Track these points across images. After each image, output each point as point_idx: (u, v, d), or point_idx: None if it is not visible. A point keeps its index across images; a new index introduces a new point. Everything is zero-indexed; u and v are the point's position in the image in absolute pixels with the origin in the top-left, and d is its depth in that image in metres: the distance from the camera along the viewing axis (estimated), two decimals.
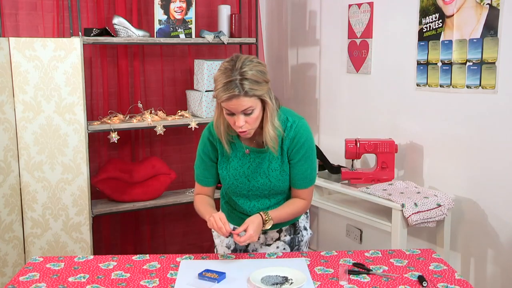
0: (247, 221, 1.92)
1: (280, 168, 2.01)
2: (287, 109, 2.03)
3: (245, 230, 1.90)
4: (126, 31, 3.23)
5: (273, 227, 2.12)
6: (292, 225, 2.17)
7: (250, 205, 2.07)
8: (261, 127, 1.93)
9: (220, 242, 2.18)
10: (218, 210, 2.26)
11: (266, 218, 1.95)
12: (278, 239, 2.15)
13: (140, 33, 3.26)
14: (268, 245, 2.15)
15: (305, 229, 2.20)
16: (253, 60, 1.85)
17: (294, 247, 2.16)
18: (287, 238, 2.15)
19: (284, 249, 2.14)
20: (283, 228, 2.16)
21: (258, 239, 2.13)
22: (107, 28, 3.22)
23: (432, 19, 2.90)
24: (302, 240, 2.18)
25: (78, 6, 3.09)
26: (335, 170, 3.24)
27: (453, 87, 2.82)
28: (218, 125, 1.96)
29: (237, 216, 2.13)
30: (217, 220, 1.90)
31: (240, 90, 1.78)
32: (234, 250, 2.15)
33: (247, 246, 2.14)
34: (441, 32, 2.86)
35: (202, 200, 2.12)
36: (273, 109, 1.90)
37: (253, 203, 2.06)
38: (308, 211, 2.25)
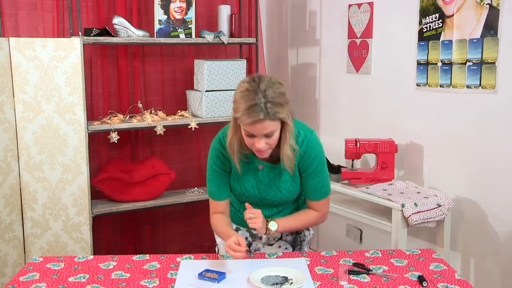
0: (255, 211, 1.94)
1: (291, 179, 2.01)
2: (298, 121, 2.01)
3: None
4: (126, 31, 3.23)
5: (271, 209, 2.13)
6: None
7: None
8: (277, 145, 1.91)
9: (222, 241, 2.18)
10: None
11: (268, 220, 1.95)
12: (280, 238, 2.15)
13: (140, 33, 3.26)
14: (270, 244, 2.15)
15: (307, 229, 2.21)
16: (275, 81, 1.82)
17: (296, 246, 2.16)
18: (289, 237, 2.15)
19: (286, 248, 2.14)
20: None
21: (260, 239, 2.13)
22: (107, 28, 3.22)
23: (432, 19, 2.90)
24: (304, 240, 2.19)
25: (78, 6, 3.09)
26: (335, 170, 3.24)
27: (453, 87, 2.82)
28: (232, 144, 1.92)
29: (240, 217, 2.12)
30: (233, 248, 1.85)
31: (265, 114, 1.75)
32: None
33: (249, 245, 2.14)
34: (441, 32, 2.86)
35: (220, 221, 2.06)
36: (292, 129, 1.89)
37: (261, 208, 2.06)
38: None
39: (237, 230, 2.14)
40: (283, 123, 1.85)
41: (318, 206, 2.06)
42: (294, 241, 2.16)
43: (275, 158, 1.98)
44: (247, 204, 1.96)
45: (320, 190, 2.03)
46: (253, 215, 1.91)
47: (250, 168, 2.00)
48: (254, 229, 2.13)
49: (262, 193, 2.02)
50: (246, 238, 2.13)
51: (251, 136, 1.83)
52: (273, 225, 1.96)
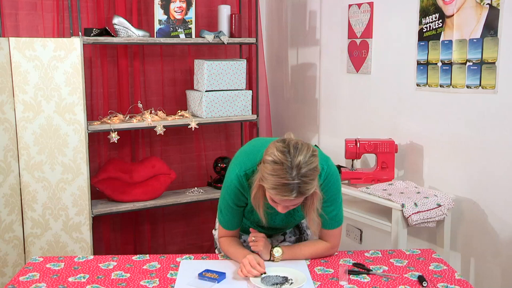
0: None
1: (304, 207, 1.95)
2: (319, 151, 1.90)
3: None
4: (126, 31, 3.23)
5: (278, 231, 2.13)
6: (296, 226, 2.18)
7: (261, 230, 2.06)
8: None
9: None
10: None
11: (273, 246, 1.93)
12: (284, 240, 2.15)
13: (140, 33, 3.26)
14: (274, 247, 2.15)
15: (308, 228, 2.20)
16: (311, 155, 1.69)
17: None
18: (292, 238, 2.15)
19: None
20: (287, 231, 2.16)
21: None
22: (107, 28, 3.22)
23: (432, 19, 2.90)
24: (307, 240, 2.19)
25: (78, 6, 3.09)
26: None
27: (453, 87, 2.82)
28: (257, 198, 1.82)
29: (243, 225, 2.12)
30: (253, 265, 1.80)
31: (297, 193, 1.67)
32: None
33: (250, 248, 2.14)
34: (441, 32, 2.86)
35: (230, 243, 2.01)
36: (320, 197, 1.82)
37: (270, 230, 2.07)
38: None
39: (239, 236, 2.14)
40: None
41: (330, 236, 1.99)
42: (297, 242, 2.16)
43: None
44: (251, 229, 1.94)
45: (333, 219, 1.95)
46: (255, 238, 1.89)
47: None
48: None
49: (276, 222, 2.01)
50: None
51: (275, 202, 1.76)
52: (277, 252, 1.93)
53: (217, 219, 2.25)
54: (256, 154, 1.84)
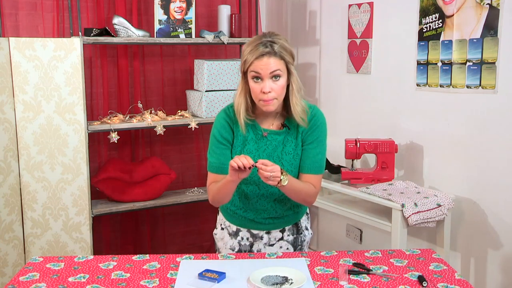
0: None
1: (293, 152, 2.01)
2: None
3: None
4: (126, 31, 3.23)
5: (276, 225, 2.12)
6: (295, 225, 2.18)
7: (259, 193, 2.06)
8: (283, 108, 1.98)
9: (224, 245, 2.17)
10: (218, 212, 2.27)
11: (283, 173, 1.90)
12: (281, 238, 2.15)
13: (140, 33, 3.26)
14: (271, 245, 2.15)
15: (307, 229, 2.21)
16: (281, 36, 1.94)
17: (297, 247, 2.16)
18: (290, 238, 2.15)
19: (287, 248, 2.14)
20: (286, 228, 2.16)
21: (262, 239, 2.13)
22: (107, 28, 3.22)
23: (432, 19, 2.90)
24: (304, 240, 2.19)
25: (78, 6, 3.09)
26: (335, 170, 3.24)
27: (453, 87, 2.82)
28: (239, 105, 1.96)
29: (239, 217, 2.12)
30: (240, 158, 1.80)
31: (270, 50, 1.86)
32: (239, 252, 2.15)
33: (251, 246, 2.14)
34: (441, 32, 2.86)
35: (217, 183, 2.01)
36: (298, 83, 1.96)
37: (262, 191, 2.05)
38: (308, 211, 2.25)
39: (237, 231, 2.14)
40: (289, 74, 1.92)
41: (315, 181, 2.02)
42: (295, 241, 2.16)
43: (279, 124, 2.02)
44: (259, 162, 1.87)
45: (319, 163, 2.03)
46: (273, 171, 1.83)
47: (253, 138, 2.01)
48: (255, 230, 2.13)
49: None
50: (247, 239, 2.13)
51: (257, 78, 1.88)
52: (285, 180, 1.90)
53: (217, 219, 2.26)
54: None
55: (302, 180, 2.04)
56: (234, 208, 2.14)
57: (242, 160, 1.80)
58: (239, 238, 2.13)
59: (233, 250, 2.14)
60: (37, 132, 2.95)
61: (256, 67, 1.87)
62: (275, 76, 1.88)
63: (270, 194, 2.06)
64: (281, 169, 1.87)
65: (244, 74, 1.94)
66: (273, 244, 2.15)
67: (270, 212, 2.09)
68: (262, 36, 1.92)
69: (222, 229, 2.18)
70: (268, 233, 2.13)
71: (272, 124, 2.03)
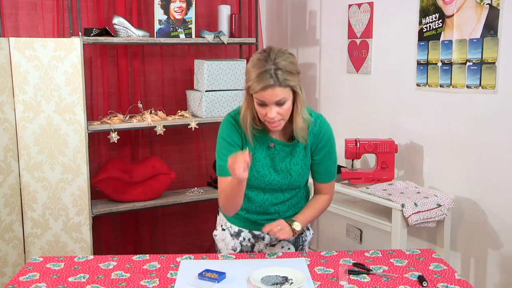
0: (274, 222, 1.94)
1: (302, 162, 2.01)
2: (307, 106, 2.03)
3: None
4: (126, 31, 3.23)
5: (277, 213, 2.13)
6: None
7: (263, 197, 2.06)
8: (289, 120, 1.94)
9: (225, 246, 2.16)
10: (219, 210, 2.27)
11: (290, 223, 1.96)
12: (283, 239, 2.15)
13: (140, 33, 3.26)
14: (273, 245, 2.15)
15: (308, 229, 2.21)
16: (285, 51, 1.87)
17: (298, 246, 2.16)
18: (292, 238, 2.15)
19: (289, 248, 2.14)
20: None
21: (263, 240, 2.13)
22: (107, 28, 3.22)
23: (432, 19, 2.90)
24: (305, 240, 2.19)
25: (78, 6, 3.09)
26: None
27: (453, 87, 2.82)
28: (245, 118, 1.94)
29: (241, 218, 2.12)
30: (232, 162, 1.77)
31: (275, 80, 1.79)
32: (241, 252, 2.14)
33: (252, 247, 2.14)
34: (441, 32, 2.86)
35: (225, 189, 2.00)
36: (303, 100, 1.92)
37: (267, 196, 2.05)
38: None
39: (239, 232, 2.14)
40: (294, 94, 1.87)
41: (329, 188, 2.10)
42: (296, 241, 2.16)
43: (287, 136, 2.01)
44: (266, 226, 1.93)
45: (331, 172, 2.07)
46: (280, 226, 1.91)
47: (261, 146, 2.00)
48: (256, 231, 2.13)
49: (272, 174, 2.01)
50: (249, 240, 2.13)
51: (262, 105, 1.85)
52: (297, 226, 1.97)
53: (217, 220, 2.25)
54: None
55: (315, 188, 2.11)
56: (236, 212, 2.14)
57: (239, 160, 1.75)
58: (240, 238, 2.13)
59: (234, 251, 2.14)
60: (37, 132, 2.95)
61: (261, 96, 1.83)
62: (280, 103, 1.85)
63: (274, 198, 2.07)
64: (286, 221, 1.95)
65: (248, 91, 1.89)
66: (275, 245, 2.14)
67: (272, 214, 2.09)
68: (265, 58, 1.82)
69: (223, 230, 2.18)
70: (269, 233, 2.13)
71: (280, 134, 2.01)
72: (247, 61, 3.74)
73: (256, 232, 2.13)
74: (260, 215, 2.09)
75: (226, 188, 1.94)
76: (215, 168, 3.60)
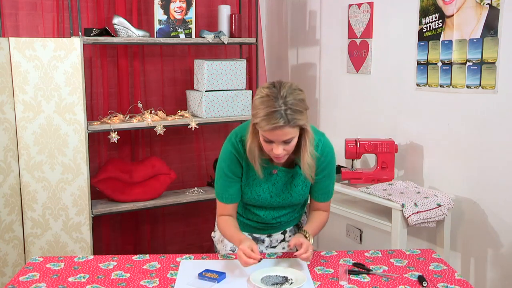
0: (295, 238, 1.92)
1: (303, 183, 2.01)
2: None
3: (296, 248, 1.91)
4: (126, 31, 3.23)
5: (278, 229, 2.13)
6: (296, 225, 2.18)
7: (265, 213, 2.07)
8: (293, 151, 1.89)
9: (223, 247, 2.16)
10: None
11: (306, 235, 1.95)
12: (283, 240, 2.15)
13: (140, 33, 3.26)
14: (273, 247, 2.15)
15: None
16: (295, 88, 1.79)
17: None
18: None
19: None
20: (287, 229, 2.16)
21: (263, 242, 2.13)
22: (107, 28, 3.22)
23: (432, 19, 2.90)
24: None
25: (78, 6, 3.09)
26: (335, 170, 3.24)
27: (453, 87, 2.82)
28: (252, 151, 1.89)
29: (241, 222, 2.11)
30: (247, 254, 1.80)
31: (285, 121, 1.73)
32: None
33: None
34: (441, 32, 2.86)
35: (229, 224, 2.02)
36: (312, 137, 1.88)
37: (269, 211, 2.07)
38: (306, 212, 2.25)
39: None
40: (301, 130, 1.83)
41: (326, 207, 2.09)
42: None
43: (289, 162, 1.98)
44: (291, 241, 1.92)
45: (330, 192, 2.07)
46: (310, 250, 1.87)
47: (264, 172, 1.97)
48: (256, 233, 2.13)
49: (273, 197, 2.02)
50: None
51: (269, 142, 1.81)
52: (311, 238, 1.96)
53: (216, 221, 2.25)
54: (249, 124, 1.91)
55: (313, 206, 2.10)
56: (238, 215, 2.14)
57: (249, 257, 1.79)
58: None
59: (233, 251, 2.14)
60: (37, 132, 2.95)
61: (269, 135, 1.78)
62: (288, 141, 1.81)
63: (276, 213, 2.08)
64: (303, 234, 1.94)
65: (255, 124, 1.84)
66: (275, 246, 2.15)
67: (274, 225, 2.11)
68: (275, 96, 1.74)
69: None
70: (269, 236, 2.13)
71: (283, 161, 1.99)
72: (247, 62, 3.76)
73: (256, 235, 2.13)
74: (261, 221, 2.10)
75: (225, 231, 2.01)
76: (215, 168, 3.62)
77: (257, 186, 2.00)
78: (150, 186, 3.42)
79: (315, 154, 1.92)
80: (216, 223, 2.25)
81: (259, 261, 1.81)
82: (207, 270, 1.84)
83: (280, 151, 1.81)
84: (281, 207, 2.07)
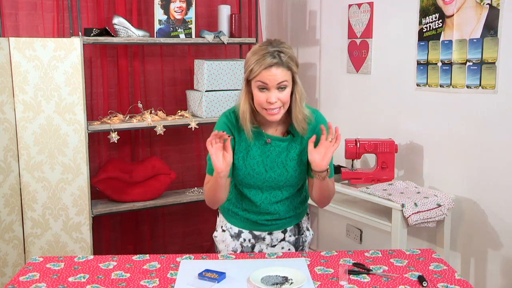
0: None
1: (298, 158, 2.00)
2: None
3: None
4: (126, 31, 3.23)
5: (279, 226, 2.12)
6: (296, 225, 2.17)
7: (261, 197, 2.05)
8: (286, 114, 1.94)
9: (225, 247, 2.16)
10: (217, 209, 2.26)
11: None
12: (283, 239, 2.15)
13: (140, 33, 3.26)
14: (273, 246, 2.15)
15: (308, 229, 2.21)
16: (286, 43, 1.91)
17: (298, 247, 2.16)
18: (292, 238, 2.15)
19: (289, 249, 2.14)
20: (288, 229, 2.15)
21: (264, 240, 2.13)
22: (107, 28, 3.22)
23: (432, 19, 2.90)
24: (306, 241, 2.19)
25: (78, 6, 3.09)
26: (335, 170, 3.24)
27: (453, 87, 2.82)
28: (244, 111, 1.93)
29: (241, 218, 2.12)
30: (211, 141, 1.83)
31: (278, 60, 1.83)
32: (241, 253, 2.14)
33: (253, 248, 2.13)
34: (441, 32, 2.86)
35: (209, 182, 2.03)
36: (302, 92, 1.94)
37: (265, 195, 2.05)
38: (308, 211, 2.25)
39: (239, 232, 2.14)
40: (293, 84, 1.90)
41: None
42: (297, 242, 2.16)
43: (282, 132, 2.01)
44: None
45: (331, 167, 2.02)
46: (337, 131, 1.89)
47: (257, 144, 1.99)
48: (256, 231, 2.13)
49: (268, 171, 2.00)
50: (249, 240, 2.12)
51: (263, 89, 1.86)
52: (331, 172, 1.97)
53: (217, 221, 2.25)
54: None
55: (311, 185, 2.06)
56: (236, 210, 2.14)
57: (214, 137, 1.81)
58: (241, 239, 2.13)
59: (235, 252, 2.14)
60: (37, 132, 2.95)
61: (263, 78, 1.84)
62: (282, 87, 1.87)
63: (273, 197, 2.06)
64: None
65: (248, 81, 1.91)
66: (275, 245, 2.14)
67: (273, 214, 2.09)
68: (268, 44, 1.87)
69: (224, 231, 2.17)
70: (270, 234, 2.13)
71: (276, 130, 2.01)
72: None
73: (257, 233, 2.13)
74: (260, 215, 2.09)
75: (210, 181, 1.99)
76: None
77: (252, 158, 1.99)
78: (150, 186, 3.42)
79: (310, 116, 1.97)
80: (216, 224, 2.25)
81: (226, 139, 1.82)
82: (207, 270, 1.84)
83: (274, 98, 1.85)
84: (276, 187, 2.04)
